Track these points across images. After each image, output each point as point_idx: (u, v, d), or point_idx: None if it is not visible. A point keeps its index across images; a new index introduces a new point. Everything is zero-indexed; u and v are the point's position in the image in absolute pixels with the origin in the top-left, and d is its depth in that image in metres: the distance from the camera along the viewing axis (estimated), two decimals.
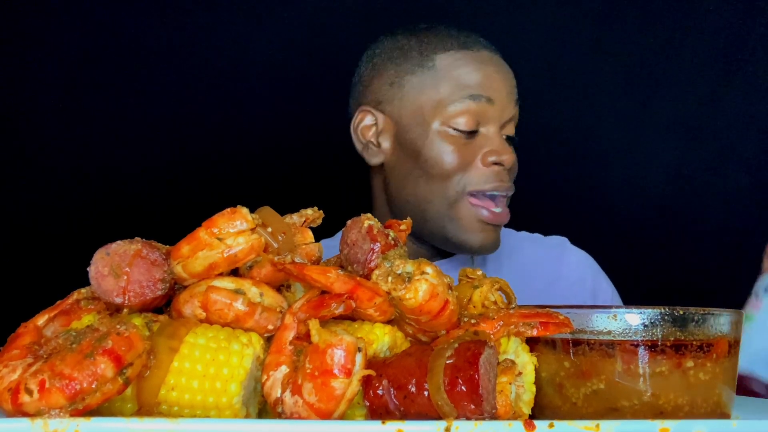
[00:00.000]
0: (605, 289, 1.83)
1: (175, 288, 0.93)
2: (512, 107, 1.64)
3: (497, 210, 1.60)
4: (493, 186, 1.59)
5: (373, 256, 0.92)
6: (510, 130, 1.66)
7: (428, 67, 1.64)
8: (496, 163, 1.59)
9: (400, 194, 1.68)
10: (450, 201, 1.60)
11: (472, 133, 1.60)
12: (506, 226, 1.82)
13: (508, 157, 1.59)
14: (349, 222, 0.97)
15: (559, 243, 1.87)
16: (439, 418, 0.80)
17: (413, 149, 1.63)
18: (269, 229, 0.93)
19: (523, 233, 1.92)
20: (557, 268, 1.82)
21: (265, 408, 0.89)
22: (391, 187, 1.70)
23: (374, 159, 1.71)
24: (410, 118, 1.64)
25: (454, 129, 1.60)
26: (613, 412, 0.88)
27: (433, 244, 1.68)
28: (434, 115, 1.61)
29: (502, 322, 0.92)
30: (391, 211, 1.71)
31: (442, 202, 1.61)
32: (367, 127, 1.71)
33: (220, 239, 0.89)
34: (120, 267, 0.89)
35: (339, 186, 1.83)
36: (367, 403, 0.83)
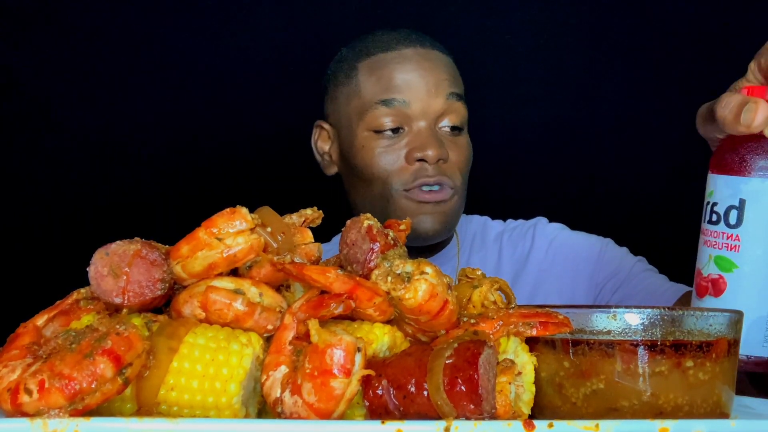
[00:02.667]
0: (582, 242, 1.83)
1: (175, 288, 0.93)
2: (441, 100, 1.65)
3: (434, 189, 1.64)
4: (419, 182, 1.63)
5: (373, 256, 0.92)
6: (453, 120, 1.67)
7: (352, 77, 1.71)
8: (420, 159, 1.63)
9: (351, 200, 1.77)
10: (384, 201, 1.66)
11: (396, 133, 1.64)
12: (493, 217, 1.86)
13: (434, 152, 1.61)
14: (348, 222, 0.97)
15: (534, 222, 1.89)
16: (438, 418, 0.80)
17: (348, 157, 1.71)
18: (269, 229, 0.93)
19: (498, 221, 1.94)
20: (530, 242, 1.85)
21: (264, 408, 0.89)
22: (346, 194, 1.79)
23: (328, 170, 1.81)
24: (344, 128, 1.72)
25: (377, 132, 1.65)
26: (612, 412, 0.88)
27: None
28: (358, 123, 1.67)
29: (501, 322, 0.92)
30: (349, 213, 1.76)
31: (379, 203, 1.67)
32: (323, 141, 1.80)
33: (219, 239, 0.89)
34: (119, 267, 0.89)
35: (336, 188, 1.84)
36: (367, 403, 0.83)
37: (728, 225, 1.00)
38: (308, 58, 2.54)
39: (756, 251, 0.99)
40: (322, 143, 1.81)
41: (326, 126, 1.79)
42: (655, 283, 1.68)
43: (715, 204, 1.02)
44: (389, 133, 1.65)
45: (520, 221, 1.92)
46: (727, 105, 0.99)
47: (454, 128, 1.68)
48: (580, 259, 1.79)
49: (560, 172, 2.62)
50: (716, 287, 1.01)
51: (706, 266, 1.03)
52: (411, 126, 1.65)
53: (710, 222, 1.02)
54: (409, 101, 1.64)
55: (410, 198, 1.64)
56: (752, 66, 1.06)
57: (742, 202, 0.99)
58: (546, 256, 1.82)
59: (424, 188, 1.64)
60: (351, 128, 1.70)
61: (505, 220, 1.95)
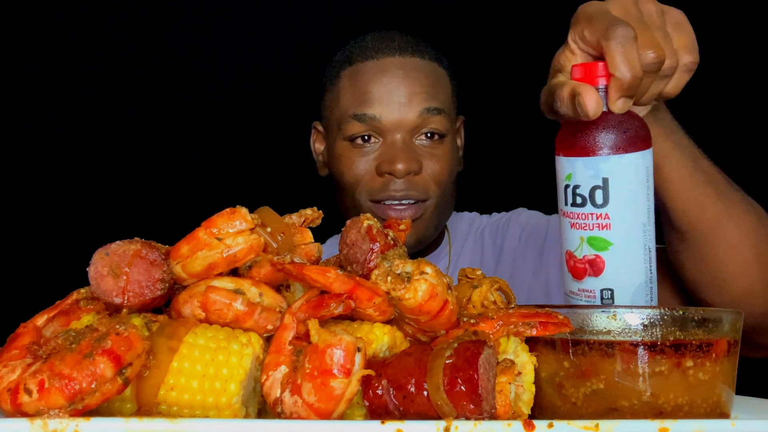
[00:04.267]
0: (551, 221, 1.83)
1: (175, 288, 0.93)
2: (414, 114, 1.63)
3: (399, 207, 1.64)
4: (386, 195, 1.64)
5: (373, 256, 0.92)
6: (430, 128, 1.66)
7: (336, 84, 1.72)
8: (388, 172, 1.63)
9: (338, 204, 1.76)
10: (355, 211, 1.64)
11: (370, 145, 1.65)
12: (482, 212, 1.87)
13: (403, 165, 1.61)
14: (348, 222, 0.97)
15: (511, 213, 1.90)
16: (438, 418, 0.80)
17: (329, 162, 1.74)
18: (268, 229, 0.93)
19: (485, 216, 1.95)
20: (505, 233, 1.86)
21: (264, 408, 0.89)
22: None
23: (321, 171, 1.82)
24: (329, 134, 1.74)
25: (351, 142, 1.66)
26: (612, 412, 0.88)
27: None
28: (336, 132, 1.69)
29: (501, 322, 0.92)
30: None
31: (352, 212, 1.67)
32: (318, 142, 1.82)
33: (219, 239, 0.89)
34: (119, 267, 0.89)
35: (329, 190, 1.85)
36: (367, 403, 0.83)
37: (595, 205, 1.00)
38: (309, 59, 2.55)
39: (626, 226, 1.00)
40: (319, 144, 1.83)
41: (320, 128, 1.81)
42: None
43: (576, 186, 1.02)
44: (363, 144, 1.65)
45: (502, 214, 1.93)
46: (561, 101, 1.00)
47: (432, 138, 1.66)
48: (548, 236, 1.79)
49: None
50: (595, 267, 1.02)
51: (579, 248, 1.03)
52: (385, 138, 1.64)
53: (574, 204, 1.02)
54: (381, 115, 1.62)
55: (377, 215, 1.64)
56: (573, 36, 1.03)
57: (605, 181, 1.00)
58: (519, 243, 1.83)
59: (392, 203, 1.63)
60: (332, 135, 1.72)
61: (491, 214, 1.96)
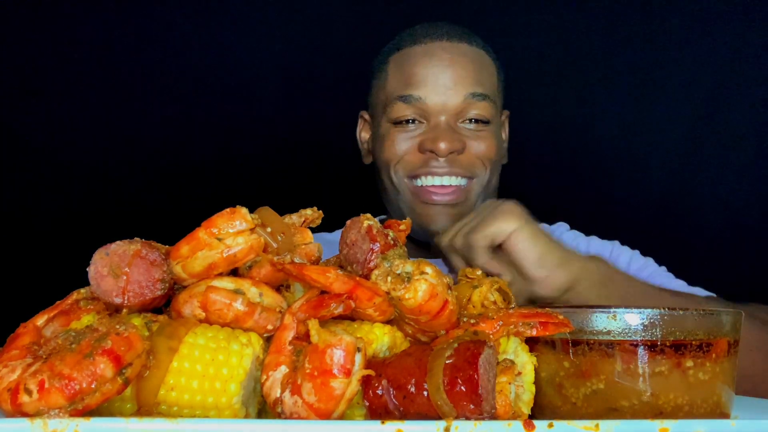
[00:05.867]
0: (596, 249, 1.83)
1: (175, 288, 0.93)
2: (460, 97, 1.65)
3: (442, 191, 1.64)
4: (425, 170, 1.64)
5: (373, 256, 0.92)
6: (474, 115, 1.67)
7: (383, 70, 1.75)
8: (430, 150, 1.64)
9: (379, 188, 1.79)
10: (396, 188, 1.68)
11: (415, 126, 1.67)
12: None
13: (446, 144, 1.62)
14: (348, 222, 0.97)
15: (554, 229, 1.90)
16: (438, 418, 0.80)
17: (374, 145, 1.77)
18: (268, 229, 0.93)
19: None
20: None
21: (264, 408, 0.89)
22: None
23: (365, 159, 1.86)
24: (374, 119, 1.77)
25: (396, 124, 1.68)
26: (612, 412, 0.88)
27: (417, 239, 1.73)
28: (382, 115, 1.71)
29: (501, 322, 0.92)
30: (383, 205, 1.81)
31: (392, 190, 1.70)
32: (365, 131, 1.85)
33: (219, 239, 0.89)
34: (119, 267, 0.89)
35: (341, 183, 1.85)
36: (367, 403, 0.83)
37: None
38: (309, 60, 2.55)
39: None
40: (365, 133, 1.86)
41: (366, 116, 1.84)
42: (675, 287, 1.68)
43: None
44: (407, 125, 1.67)
45: (543, 225, 1.94)
46: None
47: (477, 122, 1.67)
48: None
49: (568, 176, 2.61)
50: None
51: None
52: (430, 120, 1.66)
53: None
54: (426, 97, 1.65)
55: (417, 195, 1.65)
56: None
57: None
58: None
59: (433, 184, 1.63)
60: (378, 119, 1.74)
61: None
